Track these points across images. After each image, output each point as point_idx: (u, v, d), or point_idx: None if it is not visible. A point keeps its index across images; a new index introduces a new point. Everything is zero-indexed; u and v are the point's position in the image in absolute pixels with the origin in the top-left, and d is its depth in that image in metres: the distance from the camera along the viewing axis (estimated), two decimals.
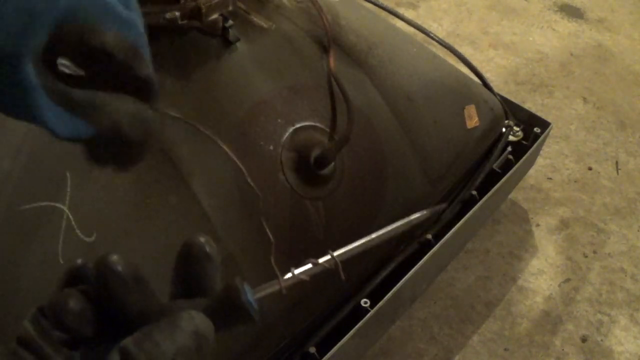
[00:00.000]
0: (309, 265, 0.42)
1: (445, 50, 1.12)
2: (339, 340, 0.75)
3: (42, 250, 0.67)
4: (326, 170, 0.78)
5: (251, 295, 0.35)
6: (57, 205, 0.67)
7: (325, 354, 0.74)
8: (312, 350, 0.78)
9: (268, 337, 0.74)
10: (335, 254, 0.44)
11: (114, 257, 0.32)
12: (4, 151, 0.71)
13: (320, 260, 0.42)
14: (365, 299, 0.82)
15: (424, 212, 0.52)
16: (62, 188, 0.68)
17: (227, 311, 0.34)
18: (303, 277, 0.41)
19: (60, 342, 0.31)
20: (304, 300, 0.77)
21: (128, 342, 0.30)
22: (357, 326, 0.77)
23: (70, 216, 0.67)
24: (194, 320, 0.32)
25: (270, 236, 0.53)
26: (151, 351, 0.30)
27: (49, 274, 0.64)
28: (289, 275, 0.41)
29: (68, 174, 0.69)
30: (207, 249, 0.35)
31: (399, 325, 1.04)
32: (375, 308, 0.79)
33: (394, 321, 1.01)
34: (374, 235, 0.47)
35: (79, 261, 0.34)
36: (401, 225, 0.50)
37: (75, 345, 0.32)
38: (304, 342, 0.79)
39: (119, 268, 0.32)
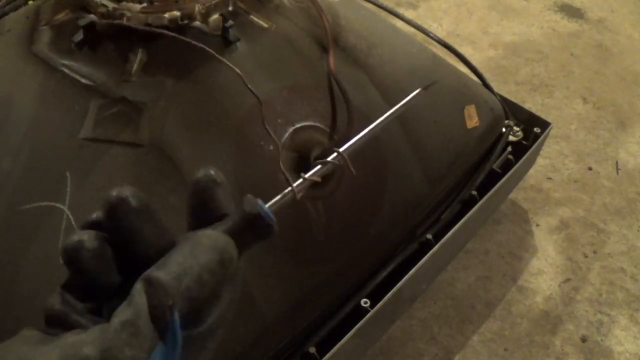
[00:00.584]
0: (318, 167, 0.41)
1: (445, 50, 1.12)
2: (339, 340, 0.75)
3: (42, 250, 0.67)
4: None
5: (265, 206, 0.34)
6: (57, 205, 0.67)
7: (325, 354, 0.74)
8: (312, 350, 0.77)
9: (268, 337, 0.74)
10: (341, 149, 0.43)
11: (127, 191, 0.31)
12: (4, 151, 0.71)
13: (329, 159, 0.41)
14: (365, 299, 0.82)
15: (420, 90, 0.51)
16: (62, 188, 0.68)
17: (246, 227, 0.33)
18: (315, 178, 0.40)
19: (87, 311, 0.31)
20: (304, 300, 0.77)
21: (150, 269, 0.29)
22: (357, 326, 0.77)
23: (70, 216, 0.67)
24: (212, 237, 0.32)
25: (277, 140, 0.51)
26: (175, 271, 0.29)
27: (49, 274, 0.64)
28: (299, 180, 0.40)
29: (68, 174, 0.69)
30: (214, 175, 0.34)
31: (399, 325, 1.04)
32: (375, 308, 0.79)
33: (394, 321, 1.01)
34: (377, 122, 0.46)
35: (94, 215, 0.32)
36: (400, 106, 0.48)
37: (101, 311, 0.31)
38: (304, 342, 0.79)
39: (133, 202, 0.31)
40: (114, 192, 0.31)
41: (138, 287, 0.29)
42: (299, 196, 0.39)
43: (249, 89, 0.59)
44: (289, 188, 0.39)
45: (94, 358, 0.27)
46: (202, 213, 0.34)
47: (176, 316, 0.29)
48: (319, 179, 0.41)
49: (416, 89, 0.49)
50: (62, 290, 0.31)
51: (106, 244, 0.31)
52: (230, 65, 0.50)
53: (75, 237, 0.31)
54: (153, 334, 0.28)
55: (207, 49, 0.69)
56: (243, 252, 0.34)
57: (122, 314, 0.28)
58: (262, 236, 0.34)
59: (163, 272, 0.29)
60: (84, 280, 0.31)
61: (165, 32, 0.73)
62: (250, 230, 0.34)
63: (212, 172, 0.34)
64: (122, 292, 0.30)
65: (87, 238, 0.31)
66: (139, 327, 0.28)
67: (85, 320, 0.30)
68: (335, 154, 0.43)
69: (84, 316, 0.30)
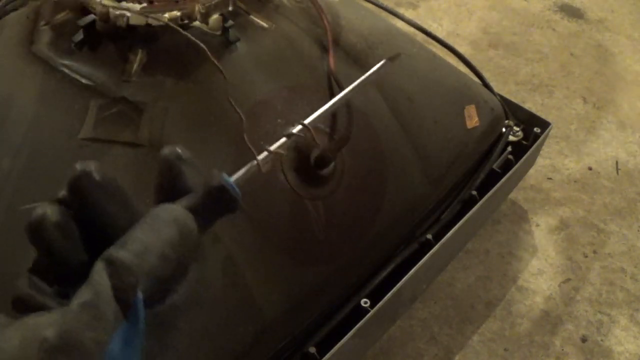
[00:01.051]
0: (283, 139, 0.41)
1: (445, 50, 1.12)
2: (339, 340, 0.75)
3: None
4: (326, 170, 0.78)
5: (230, 179, 0.34)
6: None
7: (325, 354, 0.74)
8: (312, 350, 0.77)
9: (268, 337, 0.74)
10: (306, 121, 0.43)
11: (91, 165, 0.30)
12: (4, 151, 0.71)
13: (294, 131, 0.41)
14: (365, 299, 0.82)
15: (385, 61, 0.51)
16: (62, 188, 0.68)
17: (211, 201, 0.33)
18: (279, 151, 0.40)
19: (55, 295, 0.30)
20: (304, 300, 0.77)
21: (110, 248, 0.28)
22: (357, 326, 0.77)
23: None
24: (171, 211, 0.31)
25: (241, 114, 0.52)
26: (137, 248, 0.28)
27: None
28: (264, 154, 0.40)
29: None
30: (180, 152, 0.34)
31: (399, 325, 1.04)
32: (375, 308, 0.79)
33: (394, 321, 1.01)
34: (341, 94, 0.46)
35: (59, 194, 0.32)
36: (366, 78, 0.48)
37: (68, 294, 0.30)
38: (304, 342, 0.79)
39: (97, 176, 0.30)
40: (78, 166, 0.30)
41: (98, 267, 0.28)
42: (264, 169, 0.39)
43: (231, 104, 0.59)
44: (254, 161, 0.39)
45: (53, 340, 0.26)
46: (168, 190, 0.34)
47: (139, 295, 0.28)
48: (283, 152, 0.41)
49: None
50: (30, 273, 0.30)
51: (71, 221, 0.31)
52: (219, 66, 0.50)
53: (38, 211, 0.30)
54: (115, 315, 0.27)
55: (200, 44, 0.69)
56: (208, 227, 0.34)
57: (82, 295, 0.27)
58: (226, 210, 0.34)
59: (124, 250, 0.28)
60: (51, 261, 0.30)
61: (171, 25, 0.73)
62: (215, 204, 0.33)
63: (178, 149, 0.34)
64: (89, 266, 0.29)
65: (50, 211, 0.30)
66: (99, 308, 0.27)
67: (54, 303, 0.29)
68: (300, 127, 0.43)
69: (52, 300, 0.30)
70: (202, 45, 0.65)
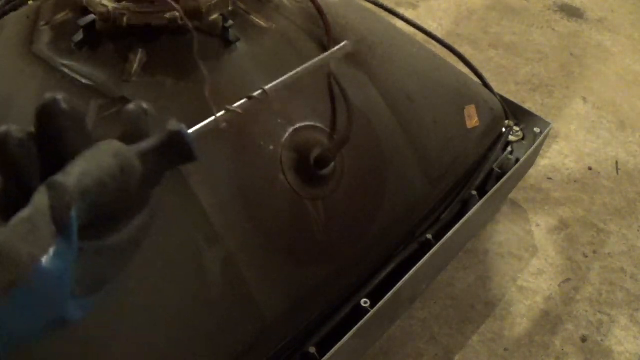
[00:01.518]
0: (244, 100, 0.44)
1: (445, 50, 1.12)
2: (339, 340, 0.75)
3: None
4: (326, 170, 0.78)
5: (187, 131, 0.36)
6: None
7: (325, 354, 0.74)
8: (312, 350, 0.78)
9: (268, 337, 0.74)
10: (266, 87, 0.46)
11: (59, 95, 0.32)
12: None
13: (254, 94, 0.44)
14: (365, 299, 0.82)
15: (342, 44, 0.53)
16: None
17: (167, 146, 0.35)
18: (237, 110, 0.43)
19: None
20: (304, 300, 0.77)
21: (55, 175, 0.30)
22: (357, 326, 0.77)
23: None
24: (113, 145, 0.33)
25: (205, 73, 0.52)
26: (75, 172, 0.30)
27: None
28: (222, 112, 0.42)
29: None
30: (144, 106, 0.37)
31: (399, 325, 1.04)
32: (375, 308, 0.79)
33: (394, 321, 1.01)
34: (305, 65, 0.48)
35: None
36: (329, 55, 0.50)
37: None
38: (304, 342, 0.79)
39: (63, 104, 0.32)
40: (47, 94, 0.32)
41: (41, 189, 0.29)
42: (222, 126, 0.41)
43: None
44: (212, 117, 0.41)
45: None
46: (131, 139, 0.36)
47: (74, 214, 0.29)
48: (240, 111, 0.43)
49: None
50: None
51: (32, 142, 0.32)
52: (204, 70, 0.50)
53: (2, 128, 0.31)
54: (51, 233, 0.28)
55: (194, 35, 0.69)
56: (163, 172, 0.35)
57: (22, 213, 0.29)
58: (182, 157, 0.36)
59: (63, 174, 0.30)
60: (9, 182, 0.32)
61: (185, 20, 0.73)
62: (171, 150, 0.35)
63: (143, 104, 0.36)
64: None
65: (14, 129, 0.31)
66: (35, 224, 0.28)
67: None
68: (260, 91, 0.45)
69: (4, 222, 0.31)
70: (194, 40, 0.65)
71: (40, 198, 0.29)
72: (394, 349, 1.01)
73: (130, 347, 0.65)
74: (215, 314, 0.69)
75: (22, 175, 0.32)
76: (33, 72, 0.76)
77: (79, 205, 0.30)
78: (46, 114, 0.32)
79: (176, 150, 0.35)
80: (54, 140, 0.32)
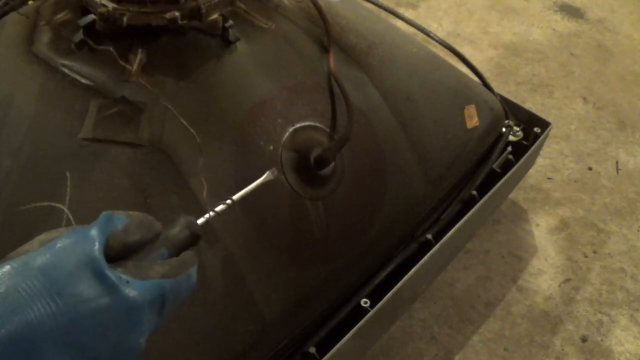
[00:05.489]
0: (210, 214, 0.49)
1: (445, 50, 1.12)
2: (339, 340, 0.75)
3: None
4: (326, 170, 0.78)
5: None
6: (57, 205, 0.67)
7: (325, 354, 0.74)
8: (312, 350, 0.78)
9: (268, 337, 0.74)
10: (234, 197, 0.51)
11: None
12: (4, 151, 0.71)
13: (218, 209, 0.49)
14: (365, 299, 0.82)
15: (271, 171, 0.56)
16: (62, 188, 0.68)
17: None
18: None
19: None
20: (304, 300, 0.77)
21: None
22: (357, 326, 0.77)
23: (70, 216, 0.67)
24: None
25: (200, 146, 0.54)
26: None
27: None
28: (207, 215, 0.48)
29: (68, 174, 0.69)
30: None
31: (399, 325, 1.04)
32: (375, 308, 0.79)
33: (394, 321, 1.01)
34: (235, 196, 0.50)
35: None
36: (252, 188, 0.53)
37: None
38: (304, 342, 0.79)
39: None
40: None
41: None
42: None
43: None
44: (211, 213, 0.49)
45: None
46: None
47: None
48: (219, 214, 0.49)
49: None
50: None
51: None
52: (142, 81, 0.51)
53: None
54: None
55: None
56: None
57: None
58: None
59: None
60: None
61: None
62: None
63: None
64: None
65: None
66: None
67: None
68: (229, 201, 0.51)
69: None
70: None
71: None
72: (394, 349, 1.01)
73: None
74: (215, 313, 0.69)
75: None
76: (33, 72, 0.76)
77: None
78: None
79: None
80: None
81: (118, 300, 0.34)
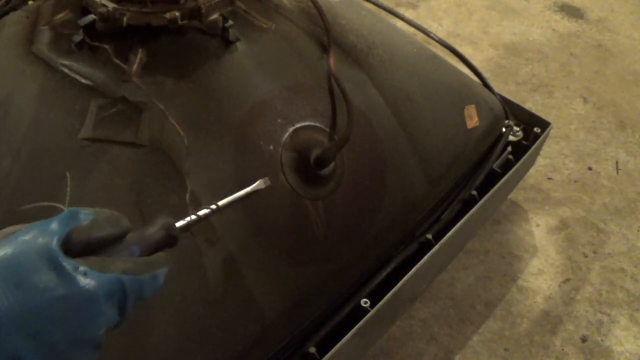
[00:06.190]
0: (193, 216, 0.48)
1: (445, 50, 1.12)
2: (339, 340, 0.75)
3: None
4: (326, 170, 0.78)
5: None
6: (57, 205, 0.67)
7: (325, 354, 0.74)
8: (312, 350, 0.78)
9: (268, 337, 0.74)
10: (220, 203, 0.51)
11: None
12: (4, 151, 0.71)
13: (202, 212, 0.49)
14: (365, 299, 0.82)
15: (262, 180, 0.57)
16: (62, 188, 0.68)
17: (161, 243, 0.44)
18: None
19: None
20: (304, 300, 0.77)
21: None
22: (357, 326, 0.77)
23: None
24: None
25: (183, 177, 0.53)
26: None
27: None
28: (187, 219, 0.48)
29: (68, 174, 0.69)
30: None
31: (399, 325, 1.04)
32: (375, 308, 0.79)
33: (394, 321, 1.01)
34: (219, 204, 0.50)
35: None
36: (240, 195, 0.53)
37: None
38: (304, 342, 0.79)
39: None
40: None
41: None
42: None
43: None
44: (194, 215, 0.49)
45: None
46: None
47: None
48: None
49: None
50: None
51: None
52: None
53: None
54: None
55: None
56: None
57: None
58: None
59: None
60: None
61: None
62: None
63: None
64: None
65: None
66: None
67: None
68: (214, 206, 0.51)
69: None
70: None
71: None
72: (394, 349, 1.01)
73: (130, 347, 0.65)
74: (216, 313, 0.69)
75: None
76: (33, 72, 0.76)
77: None
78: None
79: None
80: None
81: (74, 290, 0.35)
